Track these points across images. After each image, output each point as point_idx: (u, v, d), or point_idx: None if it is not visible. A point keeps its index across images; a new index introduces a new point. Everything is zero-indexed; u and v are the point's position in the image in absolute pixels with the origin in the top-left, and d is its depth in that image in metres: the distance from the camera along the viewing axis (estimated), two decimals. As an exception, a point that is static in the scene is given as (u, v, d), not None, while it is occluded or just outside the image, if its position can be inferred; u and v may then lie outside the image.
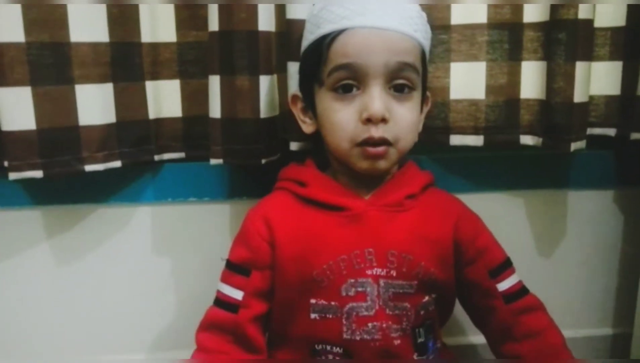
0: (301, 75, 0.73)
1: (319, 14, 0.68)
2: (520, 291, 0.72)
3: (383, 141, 0.65)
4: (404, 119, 0.66)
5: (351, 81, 0.65)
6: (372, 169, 0.67)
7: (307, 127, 0.73)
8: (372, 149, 0.65)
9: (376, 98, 0.64)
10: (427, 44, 0.70)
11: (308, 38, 0.70)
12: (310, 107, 0.72)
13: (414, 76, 0.66)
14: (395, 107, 0.66)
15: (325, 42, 0.66)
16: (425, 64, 0.71)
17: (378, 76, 0.64)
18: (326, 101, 0.67)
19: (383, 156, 0.66)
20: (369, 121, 0.64)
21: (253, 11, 0.73)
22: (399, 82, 0.66)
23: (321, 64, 0.67)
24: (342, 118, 0.66)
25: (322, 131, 0.70)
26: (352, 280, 0.67)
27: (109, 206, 0.85)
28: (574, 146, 0.79)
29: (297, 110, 0.74)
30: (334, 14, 0.66)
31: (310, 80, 0.70)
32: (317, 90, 0.69)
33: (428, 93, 0.74)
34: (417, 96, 0.68)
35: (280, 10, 0.77)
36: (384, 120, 0.64)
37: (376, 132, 0.64)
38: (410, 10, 0.67)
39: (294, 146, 0.79)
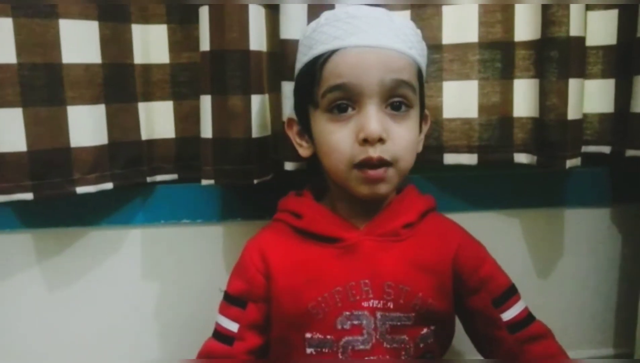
0: (296, 98, 0.72)
1: (311, 35, 0.67)
2: (526, 319, 0.70)
3: (381, 162, 0.63)
4: (402, 138, 0.65)
5: (346, 101, 0.64)
6: (372, 194, 0.65)
7: (304, 151, 0.72)
8: (372, 172, 0.64)
9: (372, 118, 0.62)
10: (423, 62, 0.69)
11: (301, 60, 0.69)
12: (306, 130, 0.70)
13: (410, 94, 0.65)
14: (393, 127, 0.64)
15: (318, 64, 0.65)
16: (422, 81, 0.70)
17: (373, 95, 0.63)
18: (321, 123, 0.66)
19: (383, 179, 0.64)
20: (365, 141, 0.62)
21: (244, 31, 0.73)
22: (395, 100, 0.64)
23: (315, 86, 0.66)
24: (339, 140, 0.64)
25: (319, 154, 0.69)
26: (348, 313, 0.66)
27: (101, 228, 0.84)
28: (569, 163, 0.79)
29: (293, 134, 0.72)
30: (325, 34, 0.65)
31: (305, 103, 0.69)
32: (312, 112, 0.68)
33: (427, 112, 0.73)
34: (414, 114, 0.67)
35: (274, 30, 0.77)
36: (381, 140, 0.63)
37: (374, 152, 0.63)
38: (404, 27, 0.66)
39: (288, 166, 0.78)
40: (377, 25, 0.64)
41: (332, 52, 0.64)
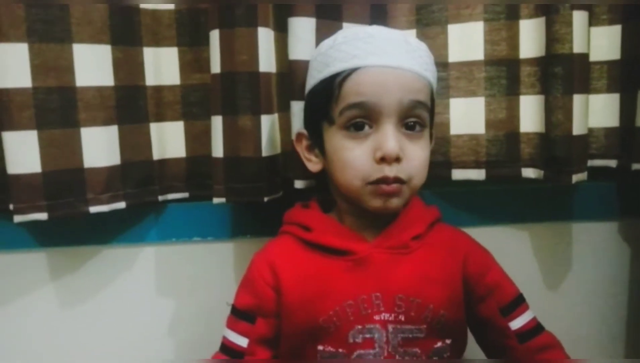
0: (308, 113, 0.72)
1: (327, 52, 0.67)
2: (535, 328, 0.70)
3: (397, 181, 0.64)
4: (417, 157, 0.66)
5: (363, 119, 0.65)
6: (384, 208, 0.66)
7: (313, 165, 0.72)
8: (386, 187, 0.64)
9: (390, 137, 0.63)
10: (434, 83, 0.71)
11: (316, 77, 0.69)
12: (317, 145, 0.71)
13: (425, 114, 0.66)
14: (408, 146, 0.65)
15: (336, 81, 0.65)
16: (434, 102, 0.71)
17: (392, 115, 0.64)
18: (337, 140, 0.66)
19: (396, 193, 0.65)
20: (383, 160, 0.63)
21: (254, 53, 0.75)
22: (411, 120, 0.65)
23: (332, 103, 0.66)
24: (355, 157, 0.65)
25: (331, 169, 0.69)
26: (360, 327, 0.66)
27: (113, 247, 0.85)
28: (576, 178, 0.79)
29: (302, 148, 0.73)
30: (344, 52, 0.66)
31: (318, 118, 0.69)
32: (327, 128, 0.68)
33: (432, 130, 0.74)
34: (427, 133, 0.68)
35: (283, 51, 0.78)
36: (397, 159, 0.64)
37: (390, 171, 0.64)
38: (420, 49, 0.67)
39: (298, 184, 0.79)
40: (396, 46, 0.65)
41: (352, 70, 0.65)
